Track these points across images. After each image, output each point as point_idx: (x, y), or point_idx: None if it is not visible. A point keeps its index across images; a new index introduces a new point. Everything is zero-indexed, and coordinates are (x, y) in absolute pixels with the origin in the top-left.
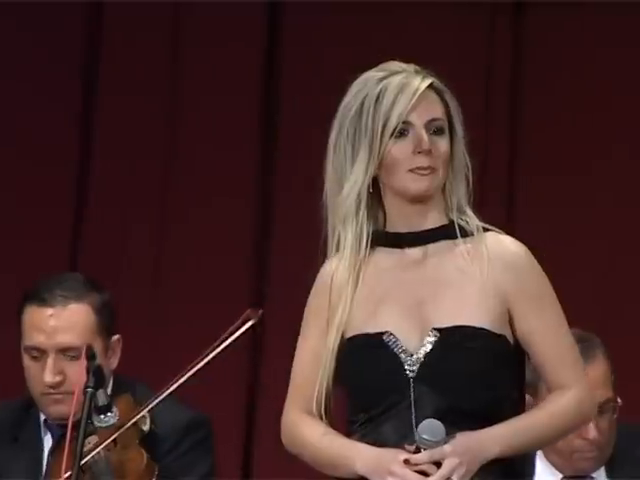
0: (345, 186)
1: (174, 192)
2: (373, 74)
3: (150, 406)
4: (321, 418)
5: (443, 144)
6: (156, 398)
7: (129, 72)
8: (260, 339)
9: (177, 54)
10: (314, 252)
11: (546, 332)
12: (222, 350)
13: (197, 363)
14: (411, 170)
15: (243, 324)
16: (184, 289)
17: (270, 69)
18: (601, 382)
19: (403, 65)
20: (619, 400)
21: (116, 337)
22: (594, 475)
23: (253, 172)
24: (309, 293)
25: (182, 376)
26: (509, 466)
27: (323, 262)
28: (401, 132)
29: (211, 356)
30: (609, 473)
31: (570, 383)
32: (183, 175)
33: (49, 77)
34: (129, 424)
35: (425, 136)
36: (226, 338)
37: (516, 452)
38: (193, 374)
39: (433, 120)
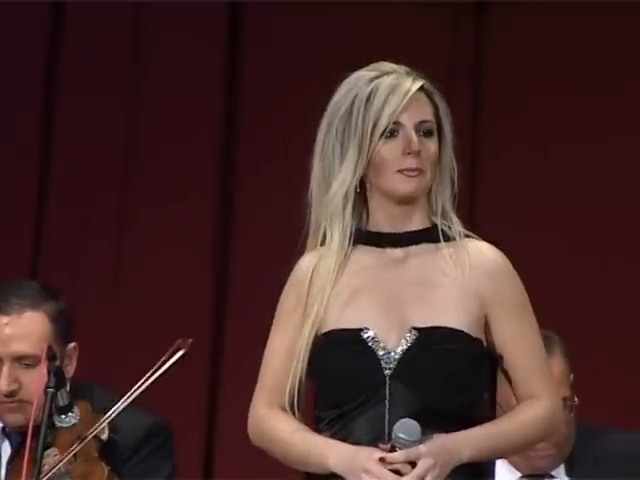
0: (333, 184)
1: (134, 192)
2: (364, 74)
3: (104, 423)
4: (293, 413)
5: (432, 146)
6: (111, 412)
7: (90, 72)
8: (221, 340)
9: (138, 54)
10: (276, 251)
11: (519, 341)
12: (154, 380)
13: (132, 393)
14: (400, 171)
15: (174, 354)
16: (144, 289)
17: (231, 69)
18: (559, 380)
19: (394, 66)
20: (576, 399)
21: (72, 345)
22: (553, 473)
23: (214, 172)
24: (271, 292)
25: (120, 402)
26: (477, 467)
27: (296, 258)
28: (391, 132)
29: (144, 387)
30: (568, 472)
31: (541, 394)
32: (144, 175)
33: (10, 77)
34: (89, 438)
35: (415, 137)
36: (158, 368)
37: (485, 458)
38: (130, 402)
39: (423, 122)
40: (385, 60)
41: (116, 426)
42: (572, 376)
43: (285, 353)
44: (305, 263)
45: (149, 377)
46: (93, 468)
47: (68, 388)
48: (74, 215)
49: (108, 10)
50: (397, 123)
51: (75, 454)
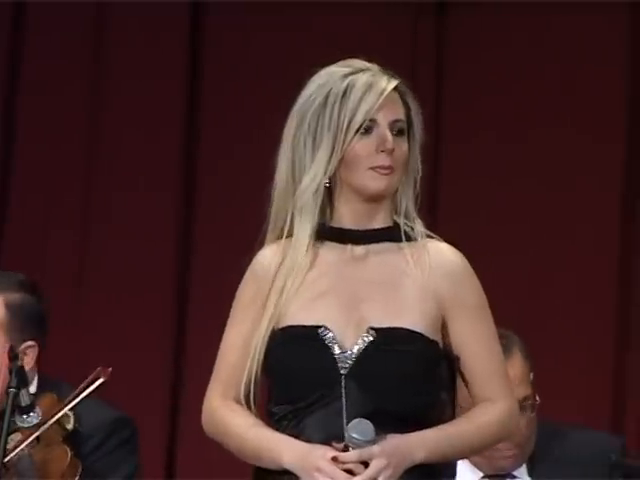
0: (304, 179)
1: (96, 192)
2: (337, 69)
3: (70, 405)
4: (248, 406)
5: (404, 145)
6: (76, 398)
7: (51, 72)
8: (183, 339)
9: (100, 54)
10: (237, 250)
11: (476, 343)
12: (75, 405)
13: (56, 413)
14: (372, 168)
15: (93, 382)
16: (107, 288)
17: (193, 68)
18: (519, 379)
19: (367, 64)
20: (537, 398)
21: (29, 343)
22: (515, 473)
23: (175, 171)
24: (233, 291)
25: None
26: (431, 467)
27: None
28: (366, 129)
29: (64, 410)
30: (530, 471)
31: (496, 396)
32: (105, 175)
33: None
34: (52, 421)
35: (389, 135)
36: (78, 394)
37: (440, 459)
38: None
39: (396, 121)
40: (354, 58)
41: (81, 418)
42: (532, 375)
43: (241, 346)
44: (265, 256)
45: (68, 403)
46: (56, 452)
47: (36, 383)
48: (36, 216)
49: (70, 10)
50: (372, 120)
51: (38, 438)
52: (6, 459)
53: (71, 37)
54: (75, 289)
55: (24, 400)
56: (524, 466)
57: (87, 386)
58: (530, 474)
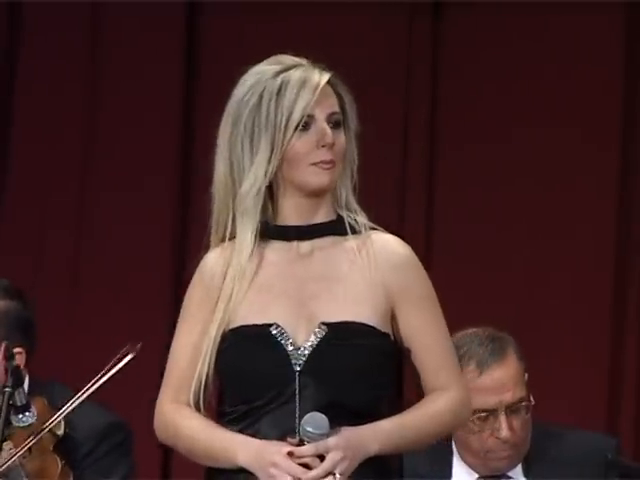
0: (245, 183)
1: (91, 191)
2: (267, 67)
3: (61, 414)
4: (198, 409)
5: (342, 137)
6: (67, 405)
7: (47, 72)
8: None
9: (96, 54)
10: None
11: (426, 333)
12: (104, 382)
13: (82, 393)
14: (314, 164)
15: (123, 358)
16: (102, 288)
17: (189, 68)
18: (513, 381)
19: (296, 59)
20: (532, 399)
21: (16, 350)
22: (510, 474)
23: (172, 171)
24: None
25: (71, 401)
26: (385, 464)
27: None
28: (304, 126)
29: (93, 388)
30: (526, 472)
31: (448, 385)
32: (101, 174)
33: None
34: (43, 432)
35: (329, 130)
36: (107, 371)
37: (394, 450)
38: (89, 400)
39: (332, 114)
40: (285, 54)
41: (74, 422)
42: (526, 376)
43: (191, 350)
44: (210, 259)
45: (98, 379)
46: (47, 462)
47: (27, 384)
48: (31, 214)
49: (66, 10)
50: (310, 116)
51: (30, 448)
52: None
53: (67, 37)
54: (71, 289)
55: (20, 399)
56: (519, 467)
57: (116, 363)
58: (526, 475)
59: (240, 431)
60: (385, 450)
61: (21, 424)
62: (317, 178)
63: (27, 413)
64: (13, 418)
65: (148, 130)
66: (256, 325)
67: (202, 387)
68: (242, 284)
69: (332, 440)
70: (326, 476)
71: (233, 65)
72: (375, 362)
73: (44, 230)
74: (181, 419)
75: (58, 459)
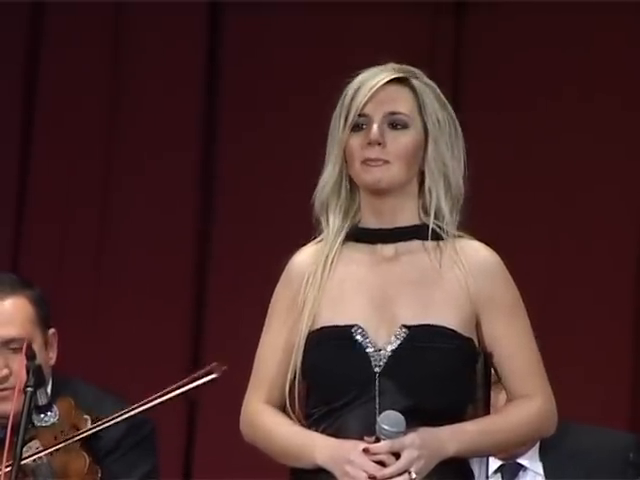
0: (320, 180)
1: (115, 193)
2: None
3: (97, 428)
4: (285, 411)
5: (402, 138)
6: (106, 420)
7: (70, 72)
8: (202, 340)
9: (118, 55)
10: (256, 243)
11: (513, 340)
12: (179, 395)
13: (153, 399)
14: (363, 162)
15: (206, 375)
16: (125, 283)
17: (211, 69)
18: None
19: (384, 65)
20: None
21: (52, 331)
22: (526, 463)
23: (196, 174)
24: (251, 285)
25: (134, 409)
26: (465, 467)
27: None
28: (359, 126)
29: (168, 397)
30: (545, 468)
31: (534, 393)
32: (124, 175)
33: None
34: (74, 439)
35: (375, 128)
36: (186, 384)
37: (473, 454)
38: (146, 409)
39: (392, 113)
40: (378, 57)
41: (100, 419)
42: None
43: (280, 351)
44: (298, 260)
45: (171, 391)
46: (75, 458)
47: (50, 384)
48: (55, 215)
49: (88, 10)
50: (364, 116)
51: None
52: (24, 462)
53: (90, 36)
54: (93, 288)
55: (41, 399)
56: (538, 461)
57: (198, 378)
58: (545, 471)
59: (322, 432)
60: (462, 453)
61: (43, 424)
62: (367, 175)
63: (49, 413)
64: (35, 418)
65: (171, 127)
66: (337, 326)
67: (296, 387)
68: (325, 285)
69: (408, 438)
70: (401, 474)
71: (255, 65)
72: (456, 366)
73: (67, 221)
74: (267, 419)
75: (86, 455)
